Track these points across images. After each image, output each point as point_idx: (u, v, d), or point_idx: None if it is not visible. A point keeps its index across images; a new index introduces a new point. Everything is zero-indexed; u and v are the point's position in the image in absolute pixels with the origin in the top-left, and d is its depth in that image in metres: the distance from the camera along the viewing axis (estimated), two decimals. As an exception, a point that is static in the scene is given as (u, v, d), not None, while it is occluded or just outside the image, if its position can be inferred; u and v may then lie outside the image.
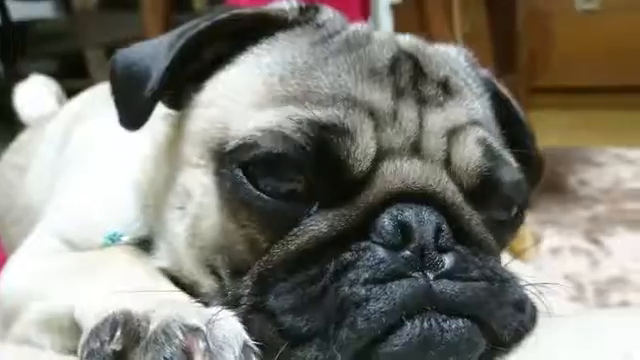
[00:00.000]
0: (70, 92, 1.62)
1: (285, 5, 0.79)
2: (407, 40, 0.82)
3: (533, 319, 0.70)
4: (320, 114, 0.65)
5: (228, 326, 0.60)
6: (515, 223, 0.78)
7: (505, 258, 0.75)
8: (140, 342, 0.58)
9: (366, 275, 0.61)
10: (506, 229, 0.76)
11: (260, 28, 0.77)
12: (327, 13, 0.80)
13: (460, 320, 0.61)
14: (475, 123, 0.74)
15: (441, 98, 0.73)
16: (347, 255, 0.62)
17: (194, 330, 0.58)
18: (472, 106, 0.76)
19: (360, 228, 0.64)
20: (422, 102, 0.72)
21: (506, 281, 0.67)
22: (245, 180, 0.66)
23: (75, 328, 0.73)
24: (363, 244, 0.63)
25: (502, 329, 0.64)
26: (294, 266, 0.63)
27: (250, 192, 0.66)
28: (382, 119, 0.68)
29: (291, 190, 0.66)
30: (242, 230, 0.67)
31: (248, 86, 0.72)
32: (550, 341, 0.66)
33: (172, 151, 0.80)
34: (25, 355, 0.73)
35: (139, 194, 0.85)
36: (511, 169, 0.74)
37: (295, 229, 0.65)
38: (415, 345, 0.60)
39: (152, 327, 0.59)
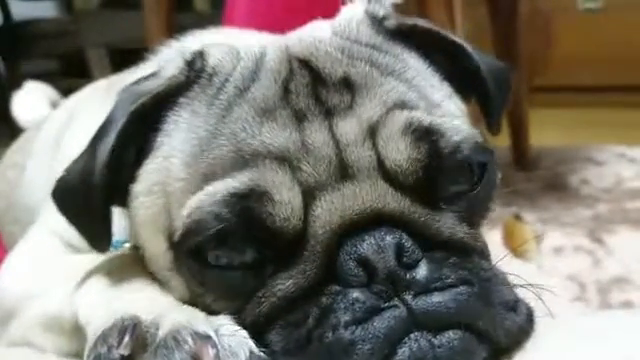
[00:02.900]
0: (72, 91, 1.62)
1: (174, 69, 0.74)
2: (302, 43, 0.76)
3: (529, 320, 0.68)
4: (235, 183, 0.64)
5: (235, 334, 0.61)
6: (486, 183, 0.72)
7: (498, 252, 0.72)
8: (148, 348, 0.59)
9: (346, 318, 0.60)
10: (479, 194, 0.71)
11: (164, 103, 0.73)
12: (215, 56, 0.74)
13: (450, 332, 0.61)
14: (394, 107, 0.68)
15: (347, 99, 0.69)
16: (323, 300, 0.62)
17: (204, 337, 0.59)
18: (385, 88, 0.70)
19: (325, 276, 0.63)
20: (329, 114, 0.68)
21: (487, 281, 0.65)
22: (198, 265, 0.66)
23: (77, 331, 0.73)
24: (334, 288, 0.62)
25: (494, 329, 0.63)
26: (276, 316, 0.64)
27: (207, 274, 0.66)
28: (294, 158, 0.65)
29: (243, 261, 0.65)
30: (214, 303, 0.68)
31: (171, 173, 0.70)
32: (551, 344, 0.65)
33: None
34: (29, 357, 0.73)
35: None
36: (452, 133, 0.68)
37: (261, 291, 0.65)
38: None
39: (161, 333, 0.60)
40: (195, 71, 0.74)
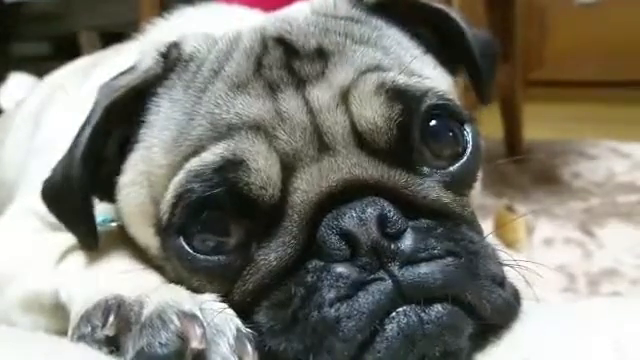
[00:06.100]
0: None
1: (149, 62, 0.74)
2: (277, 23, 0.76)
3: (516, 297, 0.68)
4: (211, 156, 0.64)
5: (222, 312, 0.60)
6: (469, 150, 0.71)
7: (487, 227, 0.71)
8: (133, 327, 0.58)
9: (331, 295, 0.59)
10: (463, 161, 0.70)
11: (143, 96, 0.73)
12: (190, 43, 0.75)
13: (439, 305, 0.60)
14: (367, 70, 0.68)
15: (318, 67, 0.68)
16: (308, 278, 0.61)
17: (190, 315, 0.58)
18: (358, 54, 0.70)
19: (307, 250, 0.62)
20: (302, 83, 0.67)
21: (474, 253, 0.64)
22: (186, 247, 0.66)
23: (57, 310, 0.73)
24: (317, 264, 0.61)
25: (480, 301, 0.62)
26: (262, 295, 0.63)
27: (194, 258, 0.66)
28: (269, 126, 0.65)
29: (228, 242, 0.65)
30: (202, 288, 0.67)
31: (153, 162, 0.70)
32: (539, 327, 0.65)
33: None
34: (19, 335, 0.72)
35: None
36: (428, 94, 0.68)
37: (247, 269, 0.64)
38: (399, 345, 0.59)
39: (146, 312, 0.59)
40: (171, 61, 0.74)
